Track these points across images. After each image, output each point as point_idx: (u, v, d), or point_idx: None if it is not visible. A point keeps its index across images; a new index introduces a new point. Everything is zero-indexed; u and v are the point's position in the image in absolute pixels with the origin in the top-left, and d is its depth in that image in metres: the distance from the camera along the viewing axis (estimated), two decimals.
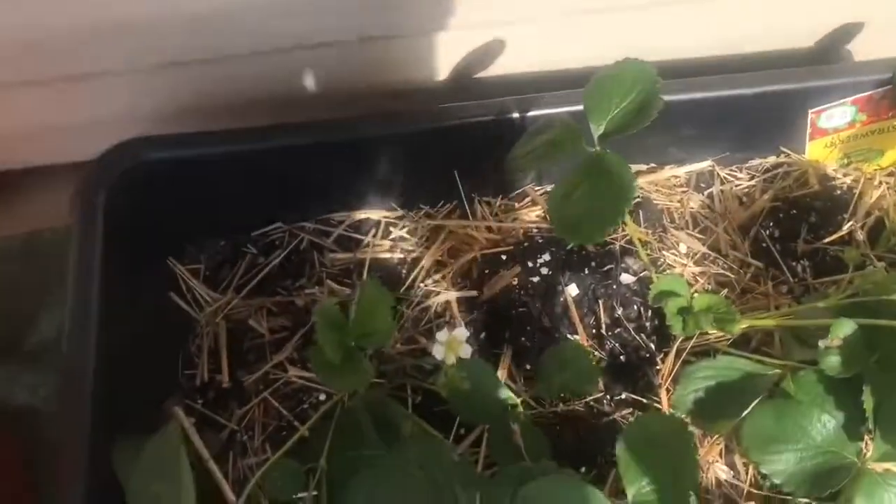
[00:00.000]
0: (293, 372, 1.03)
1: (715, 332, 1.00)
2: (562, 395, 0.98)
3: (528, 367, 1.02)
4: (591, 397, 0.99)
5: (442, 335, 0.84)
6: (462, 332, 0.85)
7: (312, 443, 0.97)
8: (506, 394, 0.92)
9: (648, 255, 1.09)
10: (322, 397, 1.02)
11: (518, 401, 0.92)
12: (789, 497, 0.91)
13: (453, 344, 0.85)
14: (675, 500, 0.76)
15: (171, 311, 1.12)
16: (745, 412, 0.88)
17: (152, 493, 0.79)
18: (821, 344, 0.85)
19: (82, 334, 0.97)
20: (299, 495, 0.92)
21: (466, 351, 0.84)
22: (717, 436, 0.95)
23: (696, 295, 0.93)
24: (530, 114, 1.03)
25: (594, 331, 1.04)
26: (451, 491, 0.77)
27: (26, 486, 1.18)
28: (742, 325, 0.94)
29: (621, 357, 1.03)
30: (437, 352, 0.85)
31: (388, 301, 0.88)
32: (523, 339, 1.03)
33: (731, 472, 0.93)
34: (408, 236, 1.14)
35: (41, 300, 1.33)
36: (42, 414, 1.24)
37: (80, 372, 0.95)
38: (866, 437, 0.87)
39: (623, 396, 1.01)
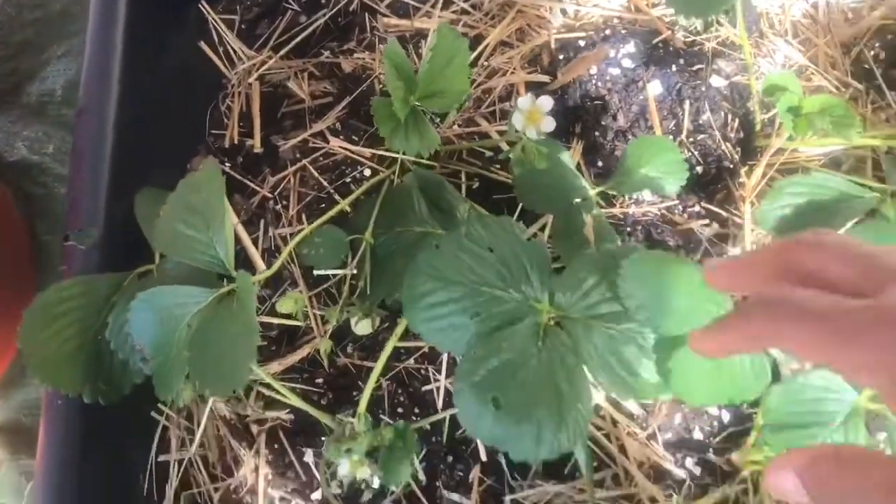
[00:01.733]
0: (336, 143, 0.92)
1: (811, 146, 0.90)
2: (636, 194, 0.88)
3: (599, 163, 0.91)
4: (665, 204, 0.89)
5: (524, 101, 0.73)
6: (547, 102, 0.73)
7: (355, 218, 0.87)
8: (581, 182, 0.82)
9: (742, 60, 0.96)
10: (367, 172, 0.91)
11: (594, 191, 0.81)
12: None
13: (535, 114, 0.74)
14: None
15: (200, 65, 0.99)
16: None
17: (182, 233, 0.69)
18: None
19: (102, 82, 0.86)
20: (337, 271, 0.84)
21: (549, 124, 0.73)
22: None
23: (808, 95, 0.81)
24: None
25: (673, 136, 0.93)
26: (523, 270, 0.68)
27: (22, 232, 1.09)
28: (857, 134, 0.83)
29: (698, 167, 0.93)
30: (517, 120, 0.73)
31: (466, 54, 0.76)
32: (596, 134, 0.92)
33: None
34: (472, 10, 1.00)
35: (49, 51, 1.19)
36: (46, 170, 1.13)
37: (99, 123, 0.84)
38: None
39: (697, 209, 0.91)
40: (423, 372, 0.85)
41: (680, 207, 0.91)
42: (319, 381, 0.86)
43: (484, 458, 0.82)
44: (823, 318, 0.38)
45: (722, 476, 0.80)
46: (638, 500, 0.77)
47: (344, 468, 0.68)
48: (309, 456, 0.83)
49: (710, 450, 0.80)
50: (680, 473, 0.78)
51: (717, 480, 0.79)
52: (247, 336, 0.66)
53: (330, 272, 0.85)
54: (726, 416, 0.81)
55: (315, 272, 0.86)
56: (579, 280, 0.68)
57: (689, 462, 0.80)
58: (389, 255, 0.81)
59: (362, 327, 0.83)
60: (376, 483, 0.68)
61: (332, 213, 0.84)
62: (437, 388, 0.83)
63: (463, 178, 0.91)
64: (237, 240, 0.87)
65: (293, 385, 0.85)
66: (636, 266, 0.63)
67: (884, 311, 0.37)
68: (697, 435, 0.81)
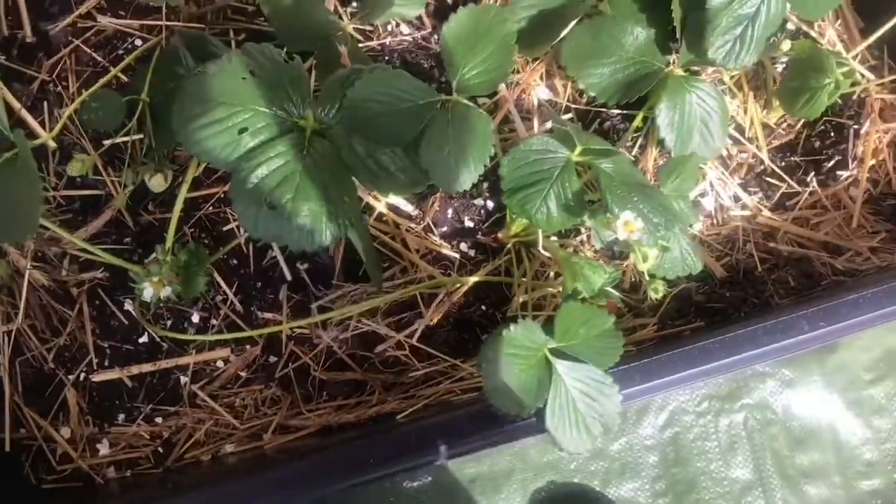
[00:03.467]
0: (104, 20, 0.96)
1: None
2: (390, 26, 0.97)
3: (354, 3, 0.99)
4: (420, 33, 0.99)
5: None
6: None
7: (132, 83, 0.93)
8: (333, 18, 0.90)
9: None
10: (139, 42, 0.96)
11: (345, 24, 0.90)
12: (603, 109, 0.98)
13: None
14: (493, 81, 0.79)
15: None
16: (565, 32, 0.91)
17: None
18: None
19: None
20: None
21: None
22: (538, 61, 0.98)
23: None
24: None
25: None
26: (284, 90, 0.77)
27: None
28: None
29: None
30: None
31: None
32: None
33: (551, 93, 0.98)
34: None
35: None
36: None
37: None
38: (674, 53, 0.93)
39: None
40: (222, 215, 0.93)
41: (435, 37, 1.00)
42: (128, 239, 0.93)
43: (289, 277, 0.92)
44: None
45: (492, 252, 0.93)
46: (420, 279, 0.89)
47: (148, 291, 0.76)
48: (129, 305, 0.91)
49: (479, 233, 0.93)
50: (454, 255, 0.91)
51: (489, 257, 0.93)
52: (31, 186, 0.72)
53: (119, 140, 0.91)
54: (491, 205, 0.94)
55: (105, 142, 0.92)
56: (333, 96, 0.78)
57: (464, 246, 0.93)
58: (166, 109, 0.88)
59: (156, 183, 0.90)
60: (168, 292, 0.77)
61: (105, 79, 0.89)
62: (238, 227, 0.92)
63: (231, 35, 0.97)
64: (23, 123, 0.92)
65: (104, 247, 0.91)
66: (369, 80, 0.73)
67: None
68: (468, 223, 0.94)
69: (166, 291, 0.76)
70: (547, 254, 0.89)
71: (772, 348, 0.81)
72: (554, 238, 0.90)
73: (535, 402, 0.76)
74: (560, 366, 0.78)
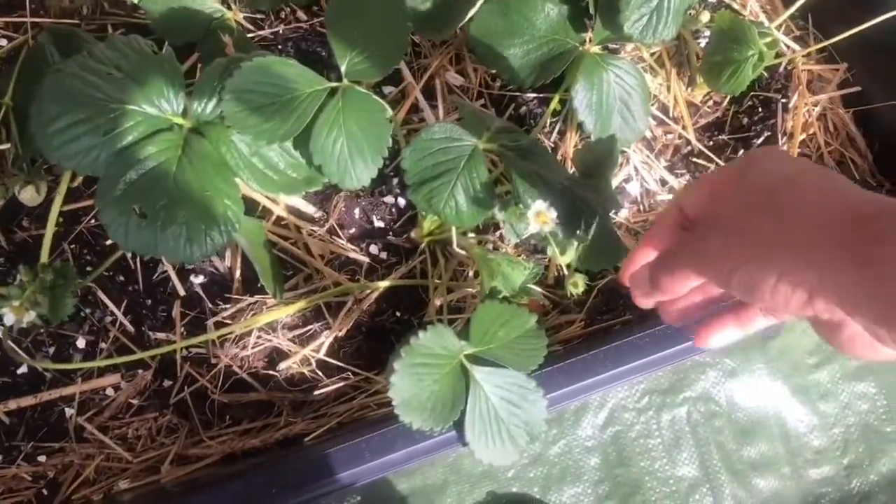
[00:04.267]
0: None
1: None
2: (284, 14, 0.89)
3: None
4: (315, 20, 0.92)
5: None
6: None
7: None
8: (214, 7, 0.82)
9: None
10: (3, 42, 0.87)
11: (228, 14, 0.82)
12: (518, 93, 0.92)
13: None
14: (385, 63, 0.72)
15: None
16: (472, 11, 0.84)
17: None
18: None
19: None
20: None
21: None
22: (447, 45, 0.92)
23: None
24: None
25: None
26: (156, 85, 0.68)
27: None
28: None
29: None
30: None
31: None
32: None
33: (462, 78, 0.91)
34: None
35: None
36: None
37: None
38: (589, 30, 0.87)
39: None
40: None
41: None
42: (0, 259, 0.83)
43: (182, 292, 0.83)
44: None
45: (405, 254, 0.86)
46: (324, 287, 0.81)
47: (9, 317, 0.67)
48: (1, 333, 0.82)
49: (391, 234, 0.86)
50: (363, 259, 0.84)
51: (403, 259, 0.86)
52: None
53: None
54: (402, 202, 0.87)
55: None
56: (210, 89, 0.70)
57: (374, 248, 0.85)
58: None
59: (28, 196, 0.81)
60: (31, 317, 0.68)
61: None
62: None
63: (110, 30, 0.89)
64: None
65: None
66: (249, 70, 0.66)
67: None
68: (378, 223, 0.86)
69: (30, 316, 0.67)
70: (464, 252, 0.82)
71: None
72: (471, 235, 0.83)
73: (451, 415, 0.70)
74: (478, 373, 0.71)
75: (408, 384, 0.67)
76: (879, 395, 1.06)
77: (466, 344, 0.71)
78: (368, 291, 0.82)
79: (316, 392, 0.81)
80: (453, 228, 0.77)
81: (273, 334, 0.80)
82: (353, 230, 0.85)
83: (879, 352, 0.44)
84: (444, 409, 0.69)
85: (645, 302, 0.55)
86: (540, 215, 0.66)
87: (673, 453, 1.01)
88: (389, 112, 0.71)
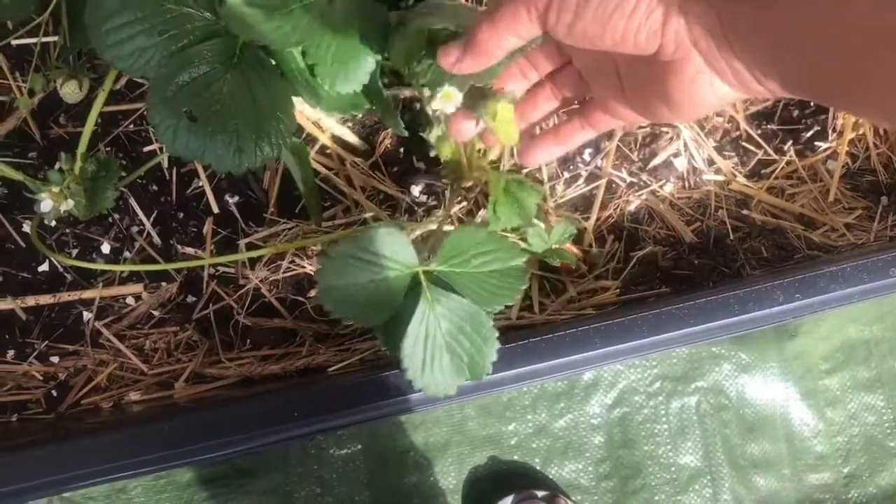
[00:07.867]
0: None
1: None
2: None
3: None
4: None
5: None
6: None
7: None
8: None
9: None
10: None
11: None
12: None
13: None
14: None
15: None
16: None
17: None
18: None
19: None
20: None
21: None
22: None
23: None
24: None
25: None
26: None
27: None
28: None
29: None
30: None
31: None
32: None
33: None
34: None
35: None
36: None
37: None
38: None
39: None
40: (143, 134, 0.82)
41: None
42: (33, 154, 0.81)
43: (216, 210, 0.81)
44: None
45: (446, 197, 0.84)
46: (364, 221, 0.80)
47: (46, 203, 0.65)
48: (27, 227, 0.80)
49: (434, 177, 0.84)
50: (404, 198, 0.82)
51: (440, 203, 0.84)
52: None
53: (26, 41, 0.80)
54: None
55: (14, 43, 0.80)
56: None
57: (416, 189, 0.83)
58: (83, 3, 0.77)
59: (70, 91, 0.79)
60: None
61: None
62: (161, 148, 0.82)
63: None
64: None
65: (3, 160, 0.80)
66: None
67: None
68: (421, 165, 0.85)
69: (68, 205, 0.65)
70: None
71: (744, 318, 0.74)
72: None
73: (380, 318, 0.63)
74: (433, 292, 0.64)
75: (336, 274, 0.61)
76: (887, 409, 1.05)
77: (429, 260, 0.64)
78: (407, 230, 0.80)
79: (343, 326, 0.79)
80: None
81: (307, 261, 0.79)
82: (395, 168, 0.84)
83: (697, 106, 0.40)
84: (378, 311, 0.63)
85: (452, 64, 0.46)
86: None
87: (678, 441, 1.00)
88: None
